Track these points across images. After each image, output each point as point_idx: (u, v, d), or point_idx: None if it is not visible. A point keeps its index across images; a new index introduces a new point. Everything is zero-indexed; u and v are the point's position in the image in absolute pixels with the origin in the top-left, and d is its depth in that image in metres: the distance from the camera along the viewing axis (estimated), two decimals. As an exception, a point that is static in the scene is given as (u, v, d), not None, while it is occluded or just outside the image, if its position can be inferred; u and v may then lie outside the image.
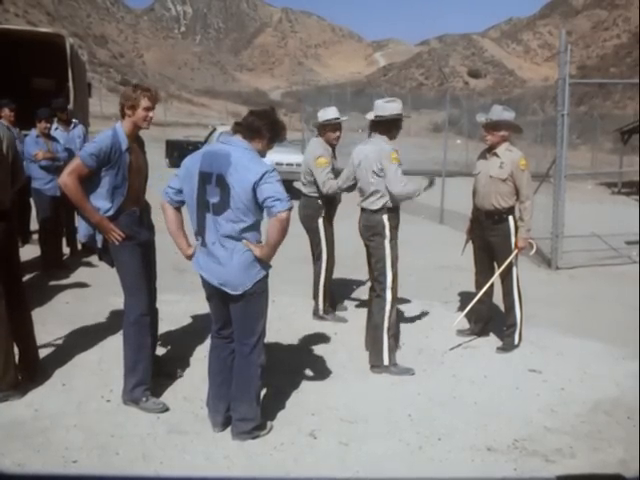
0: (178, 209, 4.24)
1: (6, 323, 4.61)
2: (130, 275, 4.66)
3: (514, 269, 6.03)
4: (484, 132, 6.09)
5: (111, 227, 4.50)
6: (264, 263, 4.05)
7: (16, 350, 4.78)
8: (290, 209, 3.89)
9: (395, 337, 5.56)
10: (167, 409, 4.58)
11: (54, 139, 8.32)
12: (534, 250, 6.44)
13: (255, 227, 4.00)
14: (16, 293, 4.78)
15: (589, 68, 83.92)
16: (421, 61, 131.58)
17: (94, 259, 8.10)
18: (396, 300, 5.57)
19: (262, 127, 4.04)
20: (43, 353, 5.16)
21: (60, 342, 5.67)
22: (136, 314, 4.66)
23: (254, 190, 3.85)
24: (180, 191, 4.15)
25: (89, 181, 4.52)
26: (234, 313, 4.13)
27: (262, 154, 4.11)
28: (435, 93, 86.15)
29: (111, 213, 4.54)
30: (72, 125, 9.24)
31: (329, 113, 6.68)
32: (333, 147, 6.80)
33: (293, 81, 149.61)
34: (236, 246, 3.97)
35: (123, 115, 4.63)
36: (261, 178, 3.84)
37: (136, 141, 4.75)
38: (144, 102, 4.62)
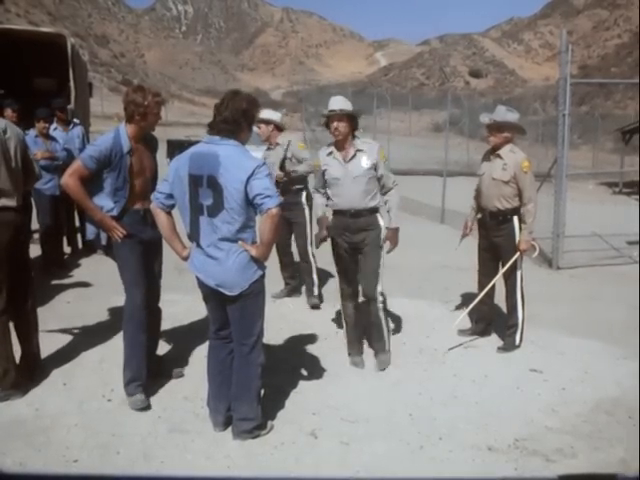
0: (169, 213, 4.23)
1: (6, 323, 4.61)
2: (128, 272, 4.71)
3: (518, 270, 6.03)
4: (487, 133, 6.07)
5: (114, 225, 4.55)
6: (260, 263, 4.05)
7: (18, 349, 4.79)
8: (280, 205, 3.89)
9: (347, 330, 5.72)
10: (147, 407, 4.60)
11: (53, 139, 8.33)
12: (537, 252, 6.43)
13: (250, 226, 3.99)
14: (24, 291, 4.80)
15: (590, 68, 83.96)
16: (422, 61, 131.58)
17: (95, 258, 8.13)
18: (342, 289, 5.68)
19: (239, 119, 3.99)
20: (44, 352, 5.16)
21: (61, 341, 5.67)
22: (131, 310, 4.73)
23: (246, 187, 3.84)
24: (170, 195, 4.13)
25: (92, 182, 4.57)
26: (232, 314, 4.13)
27: (245, 142, 4.11)
28: (436, 93, 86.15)
29: (114, 213, 4.58)
30: (71, 125, 9.25)
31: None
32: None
33: (294, 81, 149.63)
34: (232, 247, 3.96)
35: (130, 118, 4.62)
36: (252, 174, 3.83)
37: (143, 141, 4.75)
38: (155, 109, 4.63)
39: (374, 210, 5.40)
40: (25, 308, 4.85)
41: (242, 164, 3.88)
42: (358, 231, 5.41)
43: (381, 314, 5.55)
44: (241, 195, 3.85)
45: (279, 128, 7.24)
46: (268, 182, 3.87)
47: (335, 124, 5.27)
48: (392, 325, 6.10)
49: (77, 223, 9.12)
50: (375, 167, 5.31)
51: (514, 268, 6.00)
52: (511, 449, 4.25)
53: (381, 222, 5.44)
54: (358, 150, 5.33)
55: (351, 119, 5.32)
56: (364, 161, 5.32)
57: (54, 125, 8.70)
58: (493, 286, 6.20)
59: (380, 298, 5.50)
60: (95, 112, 20.06)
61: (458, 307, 7.16)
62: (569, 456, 4.19)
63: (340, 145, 5.37)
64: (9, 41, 11.88)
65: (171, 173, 4.10)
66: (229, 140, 3.99)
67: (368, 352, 5.71)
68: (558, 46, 9.75)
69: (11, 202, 4.59)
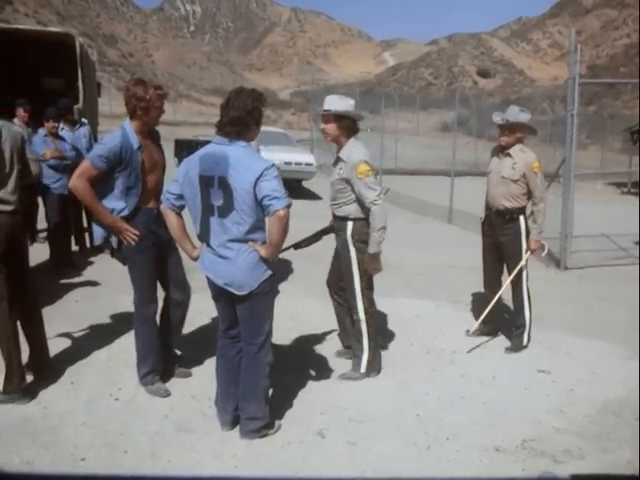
0: (179, 214, 4.23)
1: (11, 326, 4.60)
2: (141, 277, 4.72)
3: (524, 270, 6.02)
4: (499, 132, 6.06)
5: (125, 227, 4.52)
6: (270, 263, 4.05)
7: (26, 349, 4.81)
8: (289, 206, 3.88)
9: None
10: (169, 394, 4.74)
11: (62, 138, 8.37)
12: (546, 251, 6.41)
13: (260, 227, 3.99)
14: (24, 292, 4.79)
15: (599, 68, 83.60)
16: (430, 61, 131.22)
17: (103, 257, 8.14)
18: None
19: (245, 119, 3.98)
20: (52, 351, 5.17)
21: (69, 340, 5.69)
22: (144, 313, 4.78)
23: (255, 189, 3.84)
24: (181, 196, 4.13)
25: (103, 183, 4.52)
26: (241, 313, 4.14)
27: (253, 139, 4.11)
28: (444, 93, 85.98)
29: (126, 213, 4.55)
30: (77, 125, 9.29)
31: None
32: None
33: (302, 81, 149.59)
34: (241, 247, 3.97)
35: (132, 113, 4.60)
36: (260, 176, 3.83)
37: (149, 136, 4.73)
38: (158, 102, 4.59)
39: (344, 218, 5.16)
40: (28, 309, 4.84)
41: (251, 166, 3.88)
42: (335, 232, 5.34)
43: (363, 327, 5.22)
44: (250, 196, 3.85)
45: None
46: (276, 184, 3.85)
47: (322, 125, 5.14)
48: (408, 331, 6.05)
49: (85, 222, 9.14)
50: (348, 181, 5.03)
51: (520, 268, 6.00)
52: (518, 450, 4.24)
53: (348, 230, 5.11)
54: (339, 158, 5.13)
55: (341, 120, 5.04)
56: (338, 170, 5.11)
57: (61, 125, 8.72)
58: (500, 287, 6.20)
59: (360, 307, 5.19)
60: (103, 112, 20.11)
61: (466, 307, 7.16)
62: (577, 457, 4.18)
63: (337, 147, 5.21)
64: (18, 41, 11.94)
65: (181, 174, 4.10)
66: (238, 141, 3.98)
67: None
68: (567, 46, 9.73)
69: (4, 207, 4.51)
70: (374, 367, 5.34)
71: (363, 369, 5.28)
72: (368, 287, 5.22)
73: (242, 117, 3.96)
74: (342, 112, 5.04)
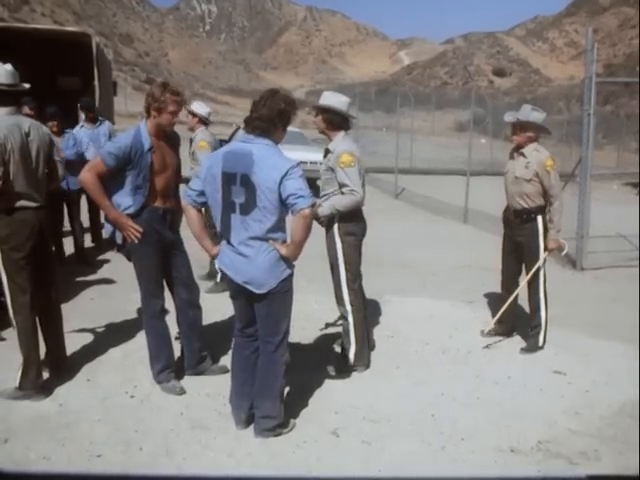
0: (200, 210, 4.25)
1: (32, 321, 4.64)
2: (143, 273, 4.76)
3: (541, 270, 5.99)
4: (511, 131, 6.04)
5: (129, 224, 4.57)
6: (290, 262, 4.06)
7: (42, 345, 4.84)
8: (313, 205, 3.91)
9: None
10: (184, 392, 4.76)
11: (82, 137, 8.43)
12: (565, 250, 6.36)
13: (281, 227, 4.01)
14: (47, 289, 4.83)
15: (616, 66, 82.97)
16: (446, 60, 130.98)
17: (119, 256, 8.17)
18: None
19: (274, 119, 4.00)
20: (68, 349, 5.20)
21: (85, 338, 5.72)
22: (149, 309, 4.83)
23: (279, 187, 3.85)
24: (202, 193, 4.14)
25: (114, 179, 4.59)
26: (258, 312, 4.14)
27: (279, 141, 4.12)
28: (460, 92, 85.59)
29: (131, 211, 4.60)
30: (98, 123, 9.33)
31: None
32: None
33: (317, 80, 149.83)
34: (262, 245, 3.98)
35: (149, 114, 4.66)
36: (285, 174, 3.84)
37: (165, 138, 4.77)
38: (171, 106, 4.64)
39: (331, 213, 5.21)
40: (49, 306, 4.88)
41: (276, 164, 3.89)
42: (323, 223, 5.34)
43: (350, 319, 5.30)
44: (275, 195, 3.86)
45: (203, 122, 7.54)
46: (301, 182, 3.87)
47: (313, 118, 5.44)
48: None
49: (102, 220, 9.19)
50: (333, 171, 5.16)
51: (537, 268, 5.97)
52: (534, 451, 4.22)
53: (335, 222, 5.21)
54: (327, 150, 5.31)
55: (326, 113, 5.23)
56: (326, 161, 5.28)
57: (81, 123, 8.78)
58: (517, 288, 6.17)
59: (346, 298, 5.30)
60: (119, 111, 20.20)
61: (481, 307, 7.13)
62: (593, 459, 4.15)
63: (328, 140, 5.38)
64: (35, 40, 12.02)
65: (204, 170, 4.12)
66: (263, 139, 3.99)
67: (390, 352, 5.70)
68: (583, 44, 9.67)
69: (30, 203, 4.57)
70: (362, 360, 5.37)
71: (351, 361, 5.32)
72: (353, 279, 5.31)
73: (272, 115, 3.98)
74: (323, 106, 5.26)
